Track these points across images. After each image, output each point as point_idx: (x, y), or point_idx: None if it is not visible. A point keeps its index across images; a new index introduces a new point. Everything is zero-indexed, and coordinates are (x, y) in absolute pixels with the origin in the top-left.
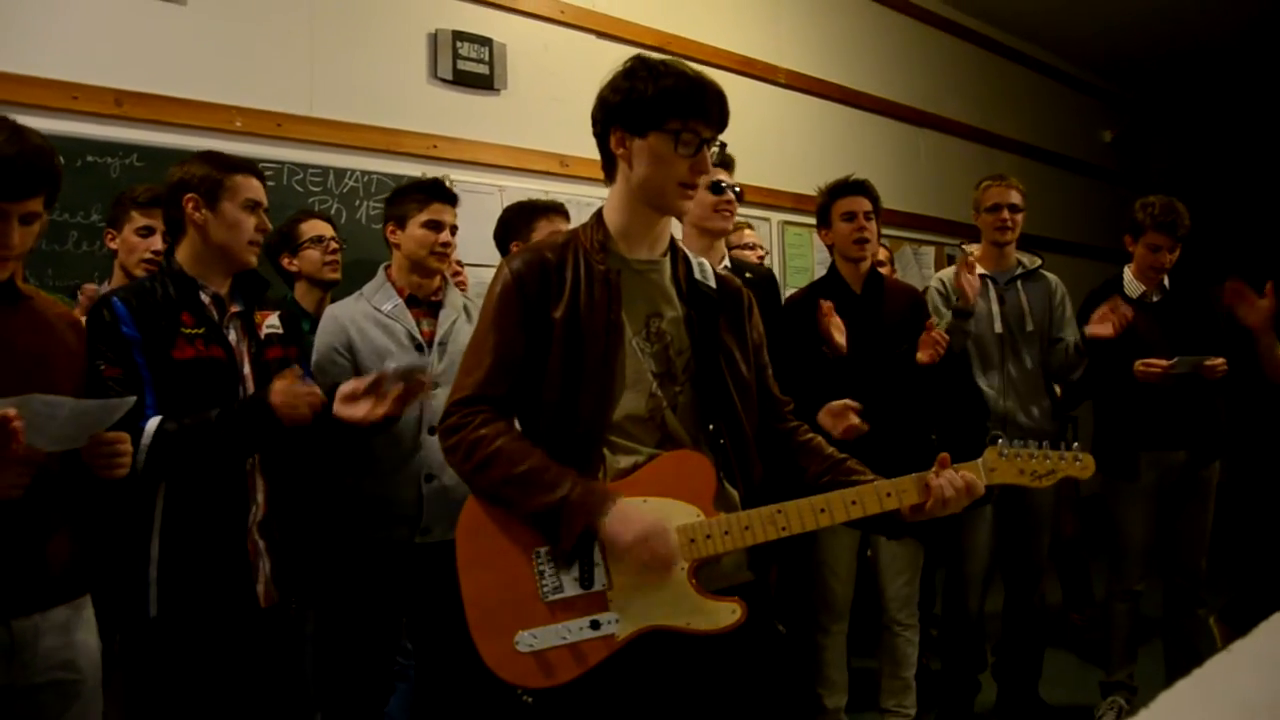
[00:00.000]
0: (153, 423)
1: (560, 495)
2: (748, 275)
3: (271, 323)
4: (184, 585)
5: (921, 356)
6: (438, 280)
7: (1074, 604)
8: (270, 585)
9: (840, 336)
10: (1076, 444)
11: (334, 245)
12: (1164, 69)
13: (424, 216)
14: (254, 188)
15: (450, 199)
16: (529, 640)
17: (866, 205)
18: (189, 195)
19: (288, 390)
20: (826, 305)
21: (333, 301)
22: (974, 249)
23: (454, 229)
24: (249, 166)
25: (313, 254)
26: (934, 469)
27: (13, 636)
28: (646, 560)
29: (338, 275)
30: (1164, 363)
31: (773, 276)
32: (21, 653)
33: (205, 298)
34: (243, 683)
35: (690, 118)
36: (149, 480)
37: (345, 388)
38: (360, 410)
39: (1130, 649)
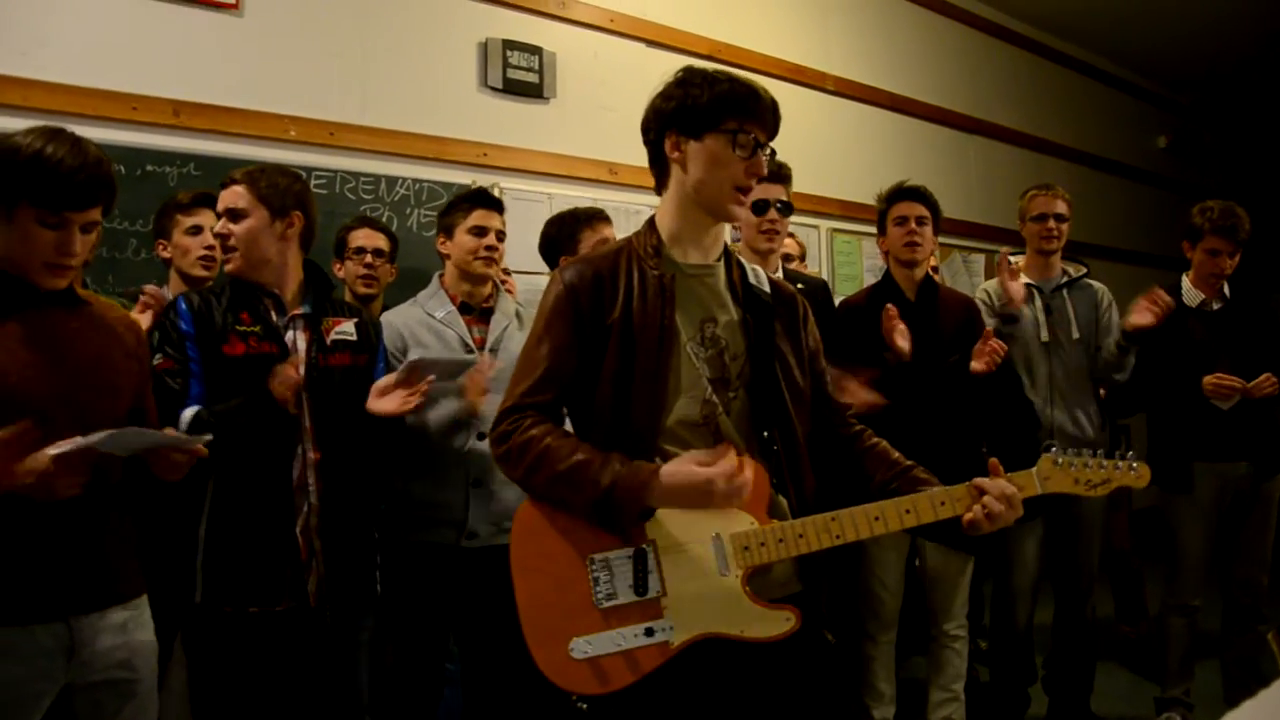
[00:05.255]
0: (189, 411)
1: (609, 479)
2: (799, 286)
3: (344, 329)
4: (229, 575)
5: (977, 365)
6: (489, 287)
7: (1126, 617)
8: (324, 587)
9: (903, 342)
10: (1131, 453)
11: (369, 259)
12: (1220, 73)
13: (470, 223)
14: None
15: (495, 205)
16: (584, 647)
17: (919, 210)
18: None
19: (278, 370)
20: (892, 310)
21: (384, 309)
22: (1019, 259)
23: (501, 235)
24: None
25: (350, 265)
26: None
27: (72, 635)
28: (719, 499)
29: (372, 291)
30: (1239, 382)
31: (825, 286)
32: (80, 651)
33: (265, 300)
34: (292, 679)
35: (746, 119)
36: (196, 468)
37: (380, 382)
38: (391, 404)
39: (1187, 665)
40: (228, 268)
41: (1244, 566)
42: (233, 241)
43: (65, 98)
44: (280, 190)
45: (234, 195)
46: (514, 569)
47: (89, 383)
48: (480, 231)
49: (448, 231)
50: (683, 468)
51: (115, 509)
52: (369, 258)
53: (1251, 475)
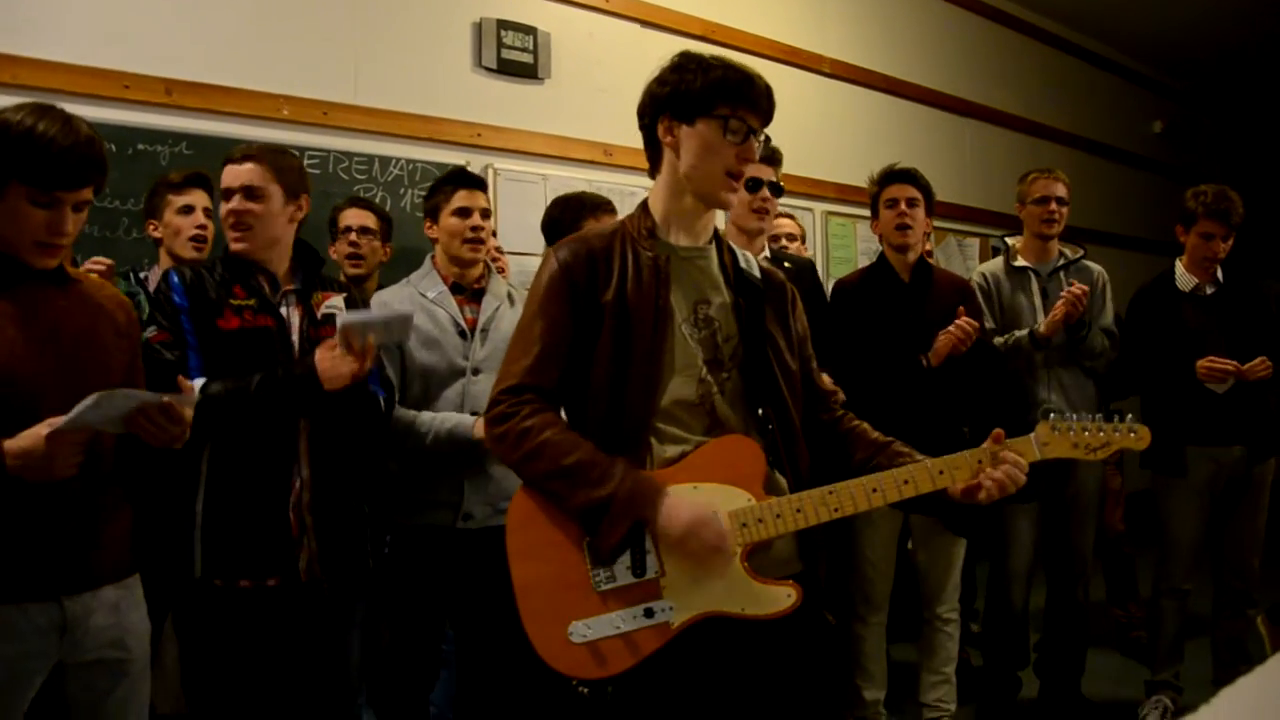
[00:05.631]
0: (197, 384)
1: (608, 491)
2: (786, 265)
3: (333, 303)
4: (227, 548)
5: (943, 337)
6: (480, 268)
7: (1118, 600)
8: (315, 563)
9: (944, 351)
10: (1130, 416)
11: (354, 238)
12: (1215, 58)
13: (453, 205)
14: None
15: (476, 184)
16: (583, 631)
17: (910, 193)
18: None
19: (329, 354)
20: (965, 319)
21: (378, 289)
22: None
23: (486, 213)
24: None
25: (339, 245)
26: (988, 444)
27: (65, 614)
28: (697, 550)
29: (360, 270)
30: (1231, 365)
31: (813, 265)
32: (73, 630)
33: (259, 275)
34: (285, 656)
35: (739, 105)
36: (192, 441)
37: (327, 355)
38: (345, 370)
39: (1177, 648)
40: (236, 247)
41: (1236, 550)
42: (249, 219)
43: (56, 76)
44: (295, 172)
45: (250, 173)
46: (510, 556)
47: (79, 361)
48: (464, 213)
49: (433, 215)
50: (686, 516)
51: (108, 488)
52: (354, 235)
53: (1245, 459)
